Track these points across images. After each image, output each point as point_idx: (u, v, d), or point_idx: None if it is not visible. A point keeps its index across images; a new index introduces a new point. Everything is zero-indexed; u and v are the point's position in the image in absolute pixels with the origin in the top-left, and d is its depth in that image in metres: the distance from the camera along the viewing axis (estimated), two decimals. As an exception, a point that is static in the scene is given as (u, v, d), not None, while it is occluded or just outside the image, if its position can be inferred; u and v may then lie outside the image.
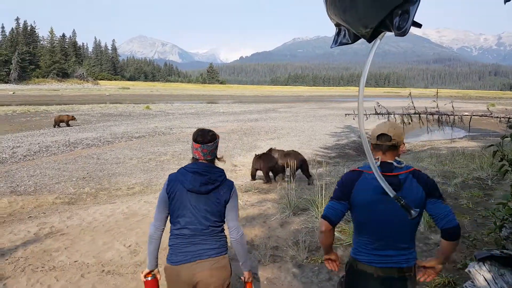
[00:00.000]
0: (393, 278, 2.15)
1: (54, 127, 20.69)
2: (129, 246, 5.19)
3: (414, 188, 2.11)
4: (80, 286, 4.15)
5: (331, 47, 1.72)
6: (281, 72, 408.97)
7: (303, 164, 9.24)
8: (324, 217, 2.23)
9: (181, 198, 2.40)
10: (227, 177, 2.55)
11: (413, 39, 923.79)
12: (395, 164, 2.15)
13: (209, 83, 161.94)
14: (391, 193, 1.83)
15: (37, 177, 10.18)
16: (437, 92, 11.94)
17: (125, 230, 5.82)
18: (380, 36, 1.46)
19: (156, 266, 2.59)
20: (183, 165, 2.54)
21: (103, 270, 4.51)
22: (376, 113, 14.52)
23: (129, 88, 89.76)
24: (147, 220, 6.22)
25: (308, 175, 9.22)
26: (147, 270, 2.55)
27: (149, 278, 2.54)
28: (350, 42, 1.59)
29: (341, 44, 1.64)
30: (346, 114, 18.93)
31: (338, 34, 1.64)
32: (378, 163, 2.14)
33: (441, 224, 2.11)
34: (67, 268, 4.59)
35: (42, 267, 4.62)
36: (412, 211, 1.94)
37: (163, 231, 2.51)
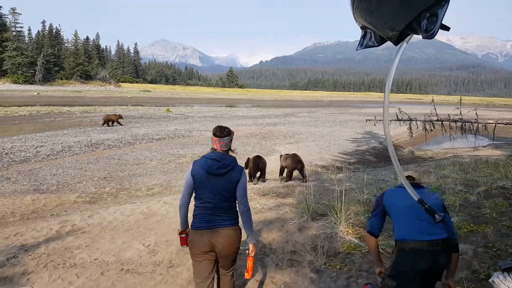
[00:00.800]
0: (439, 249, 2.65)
1: (103, 125, 21.96)
2: (148, 245, 5.25)
3: (435, 198, 2.77)
4: (100, 284, 4.22)
5: (357, 50, 1.71)
6: (301, 77, 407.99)
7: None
8: (369, 232, 2.98)
9: (203, 179, 3.07)
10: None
11: (436, 46, 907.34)
12: (422, 185, 2.97)
13: (228, 87, 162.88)
14: (415, 196, 1.94)
15: (59, 176, 10.42)
16: (461, 99, 11.65)
17: (144, 229, 5.90)
18: (407, 39, 1.45)
19: (187, 227, 3.32)
20: None
21: (122, 269, 4.58)
22: (398, 119, 14.31)
23: (150, 91, 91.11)
24: (166, 221, 6.29)
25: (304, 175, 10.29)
26: (180, 230, 3.34)
27: (183, 235, 3.33)
28: (376, 44, 1.59)
29: (367, 46, 1.63)
30: (366, 120, 18.72)
31: (363, 36, 1.63)
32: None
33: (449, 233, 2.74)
34: (88, 265, 4.68)
35: (64, 263, 4.72)
36: (436, 215, 2.22)
37: (189, 204, 3.21)
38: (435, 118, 10.86)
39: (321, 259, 4.39)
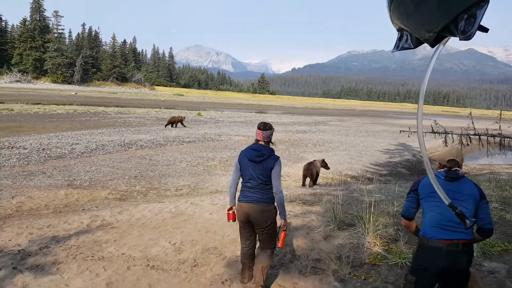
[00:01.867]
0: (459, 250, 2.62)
1: (166, 126, 23.50)
2: (174, 244, 5.33)
3: (470, 186, 2.76)
4: (126, 278, 4.32)
5: (392, 52, 1.71)
6: (333, 85, 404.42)
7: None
8: (402, 216, 3.08)
9: (246, 165, 3.87)
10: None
11: (477, 57, 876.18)
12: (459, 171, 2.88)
13: (259, 93, 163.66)
14: (446, 200, 1.95)
15: (92, 173, 10.77)
16: (501, 114, 11.14)
17: (171, 228, 5.99)
18: (443, 41, 1.44)
19: (234, 204, 4.07)
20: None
21: (148, 265, 4.67)
22: (433, 132, 13.88)
23: (183, 95, 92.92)
24: (193, 221, 6.36)
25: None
26: (229, 206, 4.11)
27: (230, 212, 4.07)
28: (412, 47, 1.58)
29: (403, 48, 1.63)
30: (400, 131, 18.29)
31: (400, 39, 1.64)
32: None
33: (480, 223, 2.72)
34: (115, 259, 4.79)
35: (92, 256, 4.86)
36: (467, 221, 2.18)
37: (237, 184, 4.02)
38: (472, 132, 10.44)
39: (346, 269, 4.31)
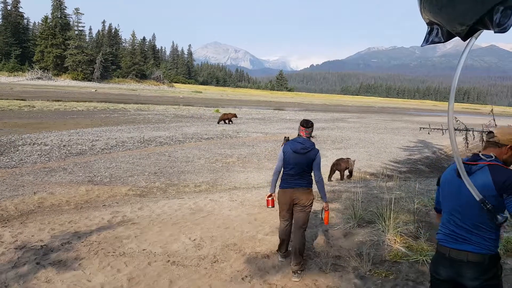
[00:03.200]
0: (463, 262, 2.25)
1: (218, 123, 25.05)
2: (194, 240, 5.37)
3: (484, 179, 2.17)
4: (147, 273, 4.38)
5: (422, 46, 1.70)
6: (352, 82, 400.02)
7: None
8: (435, 208, 2.83)
9: (290, 155, 4.37)
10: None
11: (499, 54, 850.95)
12: (481, 156, 2.30)
13: (277, 90, 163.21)
14: (477, 196, 1.90)
15: (112, 169, 10.96)
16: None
17: (191, 224, 6.04)
18: (476, 35, 1.42)
19: (274, 191, 4.65)
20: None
21: (168, 260, 4.72)
22: (454, 129, 13.53)
23: (201, 92, 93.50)
24: (212, 217, 6.40)
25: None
26: (269, 193, 4.66)
27: (270, 198, 4.63)
28: (442, 40, 1.57)
29: (433, 42, 1.62)
30: (420, 128, 17.92)
31: (429, 33, 1.61)
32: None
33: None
34: (136, 255, 4.86)
35: (113, 252, 4.95)
36: (498, 216, 2.02)
37: (280, 172, 4.54)
38: (493, 129, 10.19)
39: (366, 266, 4.26)
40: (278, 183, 4.59)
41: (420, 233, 5.17)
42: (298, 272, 4.27)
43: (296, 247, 4.34)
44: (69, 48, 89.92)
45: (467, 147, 11.80)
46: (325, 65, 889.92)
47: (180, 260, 4.74)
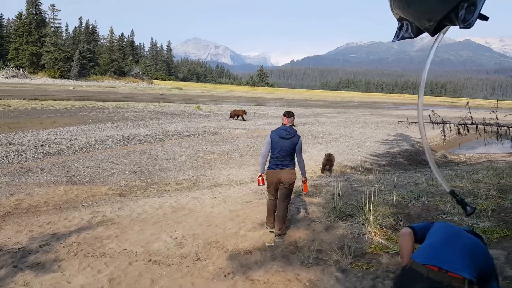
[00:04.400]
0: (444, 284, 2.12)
1: (230, 118, 26.86)
2: (176, 238, 5.34)
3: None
4: (128, 273, 4.33)
5: (392, 41, 1.74)
6: (332, 77, 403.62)
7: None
8: (409, 226, 2.65)
9: (277, 141, 5.25)
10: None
11: (473, 48, 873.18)
12: None
13: (258, 86, 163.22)
14: (447, 188, 1.94)
15: (91, 168, 10.76)
16: (497, 103, 11.16)
17: (172, 222, 6.00)
18: (444, 30, 1.46)
19: (263, 171, 5.51)
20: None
21: (150, 260, 4.67)
22: (431, 122, 13.85)
23: (181, 89, 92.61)
24: (194, 215, 6.37)
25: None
26: (259, 173, 5.56)
27: (260, 178, 5.54)
28: (412, 36, 1.60)
29: (403, 38, 1.65)
30: (399, 122, 18.25)
31: (400, 28, 1.65)
32: None
33: None
34: (116, 255, 4.80)
35: (93, 252, 4.87)
36: (468, 208, 2.03)
37: (267, 156, 5.38)
38: (469, 121, 10.45)
39: (348, 259, 4.32)
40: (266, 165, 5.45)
41: (399, 225, 5.27)
42: (280, 235, 5.24)
43: (279, 215, 5.30)
44: (45, 45, 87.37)
45: (444, 139, 12.09)
46: (305, 60, 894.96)
47: (161, 259, 4.70)
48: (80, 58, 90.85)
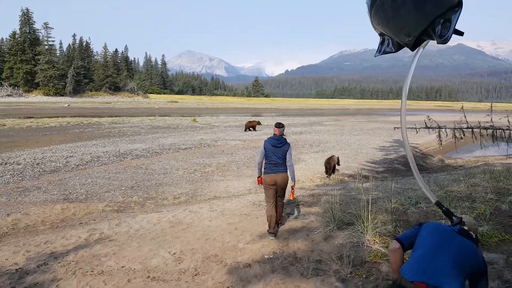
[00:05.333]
0: None
1: (245, 131, 26.98)
2: (174, 253, 5.29)
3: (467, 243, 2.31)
4: (127, 291, 4.27)
5: (375, 56, 1.80)
6: (327, 85, 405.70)
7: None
8: (397, 239, 2.58)
9: (270, 149, 5.93)
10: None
11: (466, 52, 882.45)
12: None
13: (254, 97, 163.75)
14: (433, 199, 2.04)
15: (88, 185, 10.70)
16: (491, 106, 11.22)
17: (170, 238, 5.96)
18: (423, 45, 1.52)
19: (261, 174, 6.17)
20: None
21: (148, 276, 4.63)
22: (427, 127, 13.90)
23: (177, 102, 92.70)
24: (192, 229, 6.33)
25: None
26: (258, 175, 6.22)
27: (259, 179, 6.14)
28: (394, 50, 1.66)
29: (385, 52, 1.71)
30: (395, 128, 18.24)
31: (382, 43, 1.72)
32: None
33: None
34: (115, 273, 4.75)
35: (92, 271, 4.82)
36: (454, 218, 2.13)
37: (262, 163, 6.12)
38: (465, 125, 10.50)
39: (347, 268, 4.30)
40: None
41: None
42: (273, 233, 5.81)
43: (273, 215, 5.91)
44: (40, 64, 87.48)
45: (441, 144, 12.12)
46: (300, 70, 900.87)
47: (160, 275, 4.66)
48: (75, 74, 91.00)
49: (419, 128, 13.96)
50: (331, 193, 8.00)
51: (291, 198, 6.33)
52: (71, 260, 5.17)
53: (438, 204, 2.05)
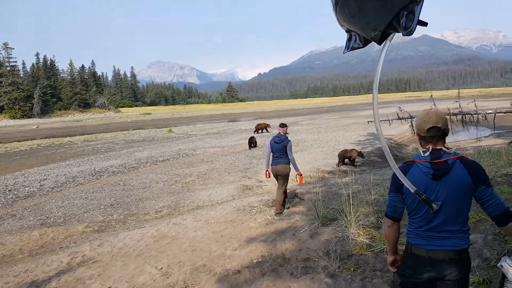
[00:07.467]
0: (445, 260, 2.20)
1: (254, 132, 28.01)
2: (161, 268, 5.20)
3: (461, 174, 2.15)
4: (115, 311, 4.16)
5: (343, 53, 1.84)
6: (300, 85, 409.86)
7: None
8: (387, 216, 2.41)
9: (273, 145, 7.25)
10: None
11: (431, 42, 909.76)
12: (444, 149, 2.24)
13: (229, 102, 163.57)
14: (411, 188, 2.01)
15: (65, 207, 10.40)
16: (459, 93, 11.61)
17: (155, 253, 5.85)
18: (389, 38, 1.54)
19: (268, 167, 7.50)
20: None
21: (136, 294, 4.52)
22: (399, 118, 14.24)
23: (150, 113, 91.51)
24: (177, 242, 6.23)
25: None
26: (265, 169, 7.61)
27: (266, 172, 7.52)
28: (361, 46, 1.69)
29: (353, 48, 1.73)
30: (368, 121, 18.62)
31: (349, 39, 1.73)
32: (428, 152, 2.22)
33: (488, 211, 2.16)
34: (101, 294, 4.62)
35: (77, 294, 4.67)
36: (433, 205, 2.09)
37: (269, 155, 7.46)
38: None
39: (335, 263, 4.34)
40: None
41: (381, 222, 5.36)
42: (278, 213, 7.00)
43: (277, 199, 7.16)
44: (3, 86, 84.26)
45: (414, 133, 12.44)
46: (272, 72, 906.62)
47: (148, 291, 4.57)
48: (41, 95, 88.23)
49: (392, 120, 14.30)
50: (314, 191, 8.07)
51: (300, 184, 7.85)
52: (54, 287, 5.00)
53: (417, 192, 2.07)
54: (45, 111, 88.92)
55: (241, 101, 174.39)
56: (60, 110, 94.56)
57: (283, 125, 7.43)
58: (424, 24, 1.40)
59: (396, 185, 2.30)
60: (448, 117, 10.66)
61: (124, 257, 5.84)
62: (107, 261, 5.75)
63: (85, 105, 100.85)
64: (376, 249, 4.55)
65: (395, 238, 2.45)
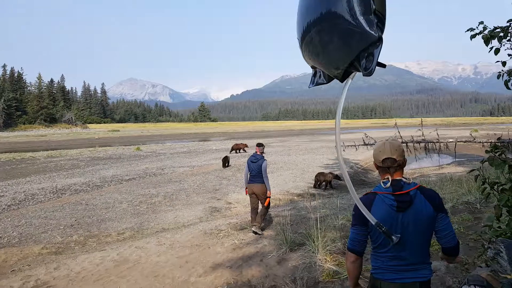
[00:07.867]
0: None
1: (230, 152, 27.88)
2: (120, 295, 4.92)
3: (423, 204, 2.17)
4: None
5: (309, 87, 1.94)
6: (271, 108, 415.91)
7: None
8: (350, 250, 2.32)
9: (249, 164, 7.53)
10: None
11: (396, 72, 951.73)
12: (404, 180, 2.22)
13: (201, 122, 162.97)
14: (372, 220, 2.02)
15: (22, 227, 9.79)
16: (422, 121, 12.10)
17: (116, 278, 5.55)
18: (351, 76, 1.62)
19: (246, 185, 7.62)
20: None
21: (91, 324, 4.24)
22: (365, 144, 14.56)
23: (119, 130, 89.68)
24: (139, 267, 5.96)
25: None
26: (245, 187, 7.70)
27: (246, 190, 7.70)
28: (325, 82, 1.78)
29: (318, 84, 1.83)
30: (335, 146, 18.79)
31: (314, 75, 1.83)
32: (388, 183, 2.20)
33: (443, 241, 2.22)
34: (53, 323, 4.30)
35: (26, 324, 4.33)
36: (393, 237, 2.08)
37: (247, 174, 7.59)
38: (400, 140, 11.17)
39: (302, 292, 4.25)
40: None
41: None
42: (257, 228, 7.10)
43: (258, 215, 7.37)
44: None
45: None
46: (245, 94, 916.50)
47: (105, 321, 4.29)
48: (5, 107, 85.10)
49: (358, 146, 14.64)
50: (282, 214, 8.01)
51: (265, 205, 7.42)
52: (0, 315, 4.62)
53: (378, 224, 2.07)
54: (8, 125, 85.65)
55: (213, 121, 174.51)
56: (24, 124, 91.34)
57: (259, 145, 7.72)
58: (383, 65, 1.48)
59: (360, 219, 2.22)
60: (412, 144, 11.02)
61: (81, 282, 5.50)
62: (63, 286, 5.39)
63: (51, 120, 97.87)
64: (343, 276, 4.50)
65: (359, 273, 2.38)
